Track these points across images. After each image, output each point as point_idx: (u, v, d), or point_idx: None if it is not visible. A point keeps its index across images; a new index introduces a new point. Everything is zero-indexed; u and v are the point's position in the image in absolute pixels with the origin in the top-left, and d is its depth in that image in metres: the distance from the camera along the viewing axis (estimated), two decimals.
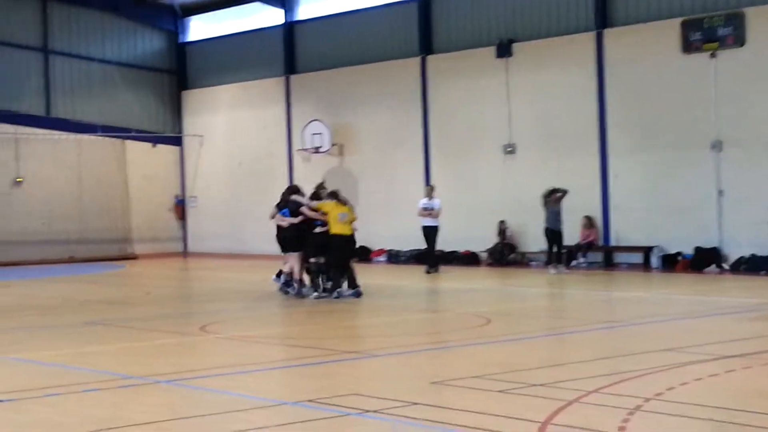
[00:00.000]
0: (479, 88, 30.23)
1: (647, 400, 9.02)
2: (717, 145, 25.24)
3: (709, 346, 12.61)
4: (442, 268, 26.96)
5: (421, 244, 27.72)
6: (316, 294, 19.34)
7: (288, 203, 19.87)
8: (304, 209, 19.52)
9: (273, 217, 20.19)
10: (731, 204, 24.99)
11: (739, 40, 25.05)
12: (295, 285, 19.64)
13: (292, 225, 19.60)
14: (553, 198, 25.54)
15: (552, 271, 25.33)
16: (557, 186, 25.78)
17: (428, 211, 26.57)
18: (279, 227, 20.02)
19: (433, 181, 29.81)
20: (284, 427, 8.45)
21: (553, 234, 25.53)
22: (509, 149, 29.63)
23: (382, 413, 8.71)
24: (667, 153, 26.27)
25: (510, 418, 8.42)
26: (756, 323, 15.35)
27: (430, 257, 27.04)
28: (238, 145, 37.36)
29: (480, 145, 30.26)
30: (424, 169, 31.70)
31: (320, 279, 19.55)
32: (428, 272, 26.29)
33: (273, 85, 36.28)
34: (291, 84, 35.72)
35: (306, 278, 19.94)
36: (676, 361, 11.35)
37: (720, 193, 25.16)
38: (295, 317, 17.74)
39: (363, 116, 33.26)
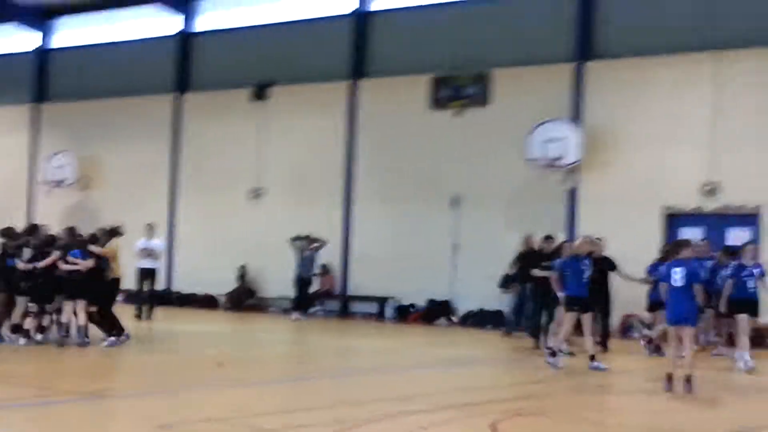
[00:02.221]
0: (233, 129, 30.24)
1: None
2: (456, 201, 26.16)
3: (435, 396, 13.02)
4: (171, 311, 26.18)
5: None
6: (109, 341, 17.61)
7: (77, 244, 17.86)
8: (96, 250, 17.80)
9: (57, 260, 17.66)
10: (465, 259, 25.91)
11: (484, 100, 26.16)
12: (82, 332, 17.39)
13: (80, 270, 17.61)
14: (311, 247, 25.89)
15: (294, 317, 25.53)
16: (313, 234, 26.22)
17: (147, 252, 24.46)
18: (60, 271, 17.67)
19: (179, 221, 29.52)
20: None
21: (303, 281, 25.81)
22: (257, 193, 29.71)
23: None
24: (410, 205, 27.05)
25: None
26: (478, 374, 15.94)
27: (144, 300, 24.42)
28: None
29: (229, 187, 30.20)
30: (169, 207, 31.30)
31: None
32: (137, 316, 23.74)
33: (20, 113, 35.02)
34: (41, 113, 34.59)
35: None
36: (403, 410, 11.63)
37: (455, 247, 26.03)
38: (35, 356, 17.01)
39: (114, 150, 32.54)
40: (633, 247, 21.54)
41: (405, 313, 26.61)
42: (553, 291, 17.84)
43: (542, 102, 25.07)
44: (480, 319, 25.27)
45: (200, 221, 30.57)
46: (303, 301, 26.11)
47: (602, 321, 19.41)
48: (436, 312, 26.04)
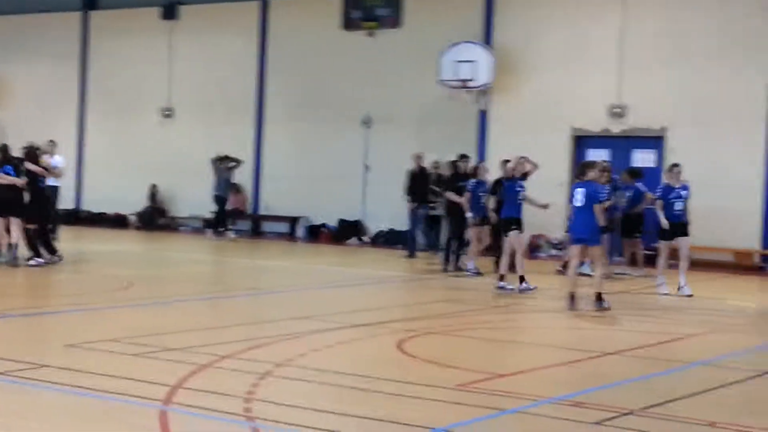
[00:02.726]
0: (142, 49, 29.87)
1: (278, 365, 9.35)
2: (367, 121, 26.23)
3: (342, 315, 13.24)
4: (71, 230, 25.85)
5: None
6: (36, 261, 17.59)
7: (10, 160, 17.60)
8: (33, 167, 17.58)
9: None
10: (376, 179, 26.06)
11: (396, 21, 26.16)
12: (14, 250, 17.43)
13: (14, 186, 17.45)
14: (225, 166, 25.84)
15: (209, 235, 25.61)
16: (230, 154, 26.12)
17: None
18: None
19: (89, 140, 29.18)
20: None
21: (221, 201, 25.79)
22: (167, 113, 29.46)
23: (8, 375, 8.53)
24: (321, 125, 27.04)
25: (141, 381, 8.47)
26: (386, 294, 16.20)
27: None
28: None
29: (139, 107, 29.91)
30: (78, 126, 30.90)
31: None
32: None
33: None
34: None
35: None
36: (311, 328, 11.82)
37: (366, 168, 26.16)
38: None
39: (20, 69, 31.90)
40: (542, 168, 21.82)
41: (316, 233, 26.76)
42: (463, 213, 18.27)
43: (454, 24, 25.14)
44: (391, 239, 25.51)
45: (110, 140, 30.28)
46: (220, 221, 26.08)
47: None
48: (348, 232, 26.23)
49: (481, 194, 18.57)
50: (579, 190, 14.39)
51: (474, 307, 14.95)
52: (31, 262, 17.46)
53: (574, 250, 14.68)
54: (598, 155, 23.20)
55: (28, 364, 9.01)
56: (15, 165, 17.62)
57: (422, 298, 16.21)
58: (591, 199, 14.24)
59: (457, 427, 7.28)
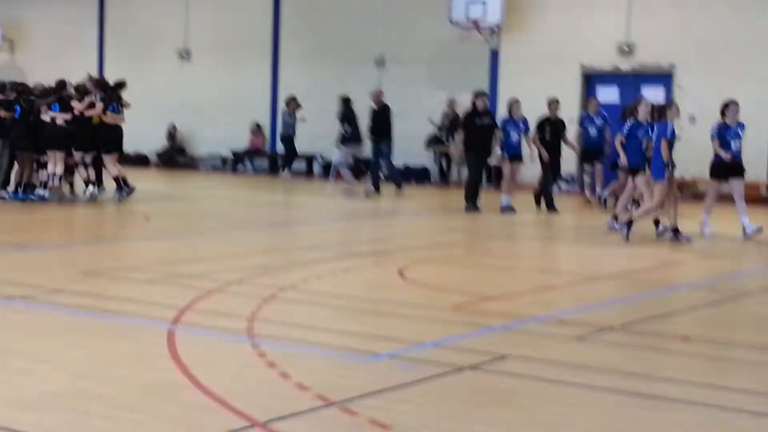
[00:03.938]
0: None
1: (281, 289, 9.89)
2: (380, 61, 26.59)
3: (348, 245, 13.81)
4: None
5: None
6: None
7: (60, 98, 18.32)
8: (78, 106, 18.26)
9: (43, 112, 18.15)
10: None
11: None
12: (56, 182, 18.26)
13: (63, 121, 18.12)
14: (293, 108, 25.91)
15: (287, 175, 25.79)
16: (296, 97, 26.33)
17: None
18: (44, 123, 18.13)
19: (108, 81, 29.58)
20: None
21: (288, 140, 25.99)
22: (185, 54, 29.91)
23: (25, 298, 9.11)
24: (335, 66, 27.43)
25: (153, 304, 9.03)
26: (394, 226, 16.73)
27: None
28: None
29: (156, 49, 30.36)
30: (99, 68, 31.37)
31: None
32: None
33: None
34: None
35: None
36: (318, 257, 12.37)
37: None
38: None
39: (38, 12, 32.39)
40: None
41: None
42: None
43: None
44: (406, 175, 25.93)
45: (129, 82, 30.60)
46: (289, 159, 26.39)
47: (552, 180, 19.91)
48: (363, 169, 26.63)
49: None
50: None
51: (480, 235, 15.46)
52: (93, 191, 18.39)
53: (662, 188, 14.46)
54: (607, 92, 23.61)
55: (45, 289, 9.59)
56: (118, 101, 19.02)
57: (431, 229, 16.69)
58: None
59: (444, 341, 7.81)
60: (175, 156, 29.74)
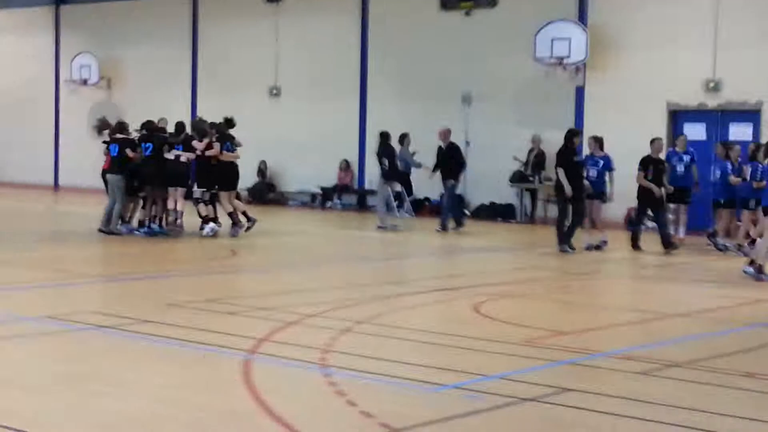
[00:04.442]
0: (249, 31, 30.97)
1: (358, 323, 10.19)
2: (467, 99, 26.87)
3: (426, 281, 14.04)
4: None
5: None
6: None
7: (185, 139, 19.18)
8: (199, 146, 19.06)
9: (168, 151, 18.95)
10: (476, 154, 26.61)
11: (493, 1, 26.73)
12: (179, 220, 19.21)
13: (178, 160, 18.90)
14: (406, 143, 25.57)
15: (400, 213, 25.19)
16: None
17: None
18: (166, 162, 18.87)
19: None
20: (25, 339, 9.20)
21: (404, 176, 25.96)
22: (275, 91, 30.57)
23: (113, 328, 9.55)
24: (422, 103, 27.77)
25: (231, 335, 9.38)
26: (472, 263, 16.93)
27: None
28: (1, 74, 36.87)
29: (247, 87, 31.03)
30: (191, 106, 32.22)
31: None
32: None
33: (41, 14, 35.91)
34: (60, 14, 35.47)
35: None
36: (396, 292, 12.64)
37: (467, 144, 26.76)
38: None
39: (133, 51, 33.41)
40: (639, 143, 22.09)
41: (420, 207, 27.46)
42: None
43: (548, 2, 25.60)
44: (491, 212, 26.17)
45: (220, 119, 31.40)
46: (402, 197, 26.05)
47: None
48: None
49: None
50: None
51: (560, 272, 15.58)
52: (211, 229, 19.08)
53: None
54: (694, 130, 23.56)
55: (132, 319, 10.02)
56: (231, 140, 19.91)
57: (510, 266, 16.83)
58: None
59: (510, 374, 8.01)
60: (265, 192, 30.31)
